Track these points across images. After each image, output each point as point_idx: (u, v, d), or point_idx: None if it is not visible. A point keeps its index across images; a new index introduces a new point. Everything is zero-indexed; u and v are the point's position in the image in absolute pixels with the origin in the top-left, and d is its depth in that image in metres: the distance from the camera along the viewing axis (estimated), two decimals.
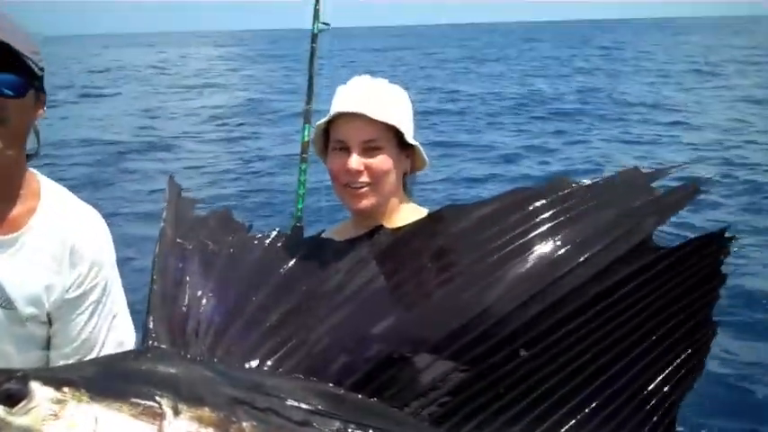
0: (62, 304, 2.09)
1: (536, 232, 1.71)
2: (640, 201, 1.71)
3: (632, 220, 1.69)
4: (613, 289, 1.66)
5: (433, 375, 1.63)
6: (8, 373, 1.47)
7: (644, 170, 1.74)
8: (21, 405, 1.42)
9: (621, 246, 1.67)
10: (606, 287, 1.66)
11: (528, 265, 1.68)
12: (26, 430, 1.41)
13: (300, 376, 1.65)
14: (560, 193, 1.74)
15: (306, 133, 4.33)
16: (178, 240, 1.81)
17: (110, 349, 2.16)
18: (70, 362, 2.08)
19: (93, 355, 2.13)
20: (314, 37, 4.51)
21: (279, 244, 1.86)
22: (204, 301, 1.73)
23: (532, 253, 1.69)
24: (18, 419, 1.41)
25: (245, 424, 1.50)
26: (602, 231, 1.69)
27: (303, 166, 4.34)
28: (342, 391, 1.64)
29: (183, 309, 1.71)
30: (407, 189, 2.45)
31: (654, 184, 1.73)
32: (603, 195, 1.73)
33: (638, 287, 1.66)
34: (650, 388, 1.66)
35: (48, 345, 2.13)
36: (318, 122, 2.32)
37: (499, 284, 1.67)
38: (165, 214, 1.86)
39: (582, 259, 1.67)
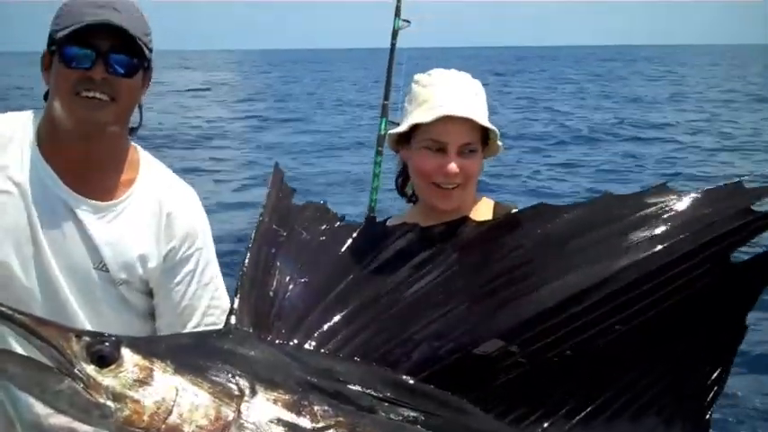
0: (160, 274, 2.19)
1: (623, 239, 1.72)
2: (735, 219, 1.68)
3: (720, 237, 1.68)
4: (678, 300, 1.67)
5: (507, 373, 1.67)
6: (102, 337, 1.57)
7: (747, 186, 1.71)
8: (111, 367, 1.52)
9: (699, 260, 1.67)
10: (673, 299, 1.67)
11: (611, 272, 1.69)
12: (112, 391, 1.50)
13: (374, 364, 1.69)
14: (656, 202, 1.73)
15: (382, 126, 4.38)
16: (274, 227, 1.87)
17: (214, 318, 2.23)
18: (176, 330, 2.19)
19: (194, 323, 2.23)
20: (394, 33, 4.58)
21: (364, 233, 1.89)
22: (290, 287, 1.78)
23: (617, 259, 1.70)
24: (106, 380, 1.50)
25: (316, 407, 1.57)
26: (687, 244, 1.68)
27: (378, 159, 4.42)
28: (413, 382, 1.68)
29: (270, 293, 1.77)
30: None
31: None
32: (700, 208, 1.71)
33: (705, 304, 1.68)
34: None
35: (151, 316, 2.25)
36: (419, 121, 2.20)
37: (582, 288, 1.68)
38: (265, 200, 1.91)
39: (660, 270, 1.67)
